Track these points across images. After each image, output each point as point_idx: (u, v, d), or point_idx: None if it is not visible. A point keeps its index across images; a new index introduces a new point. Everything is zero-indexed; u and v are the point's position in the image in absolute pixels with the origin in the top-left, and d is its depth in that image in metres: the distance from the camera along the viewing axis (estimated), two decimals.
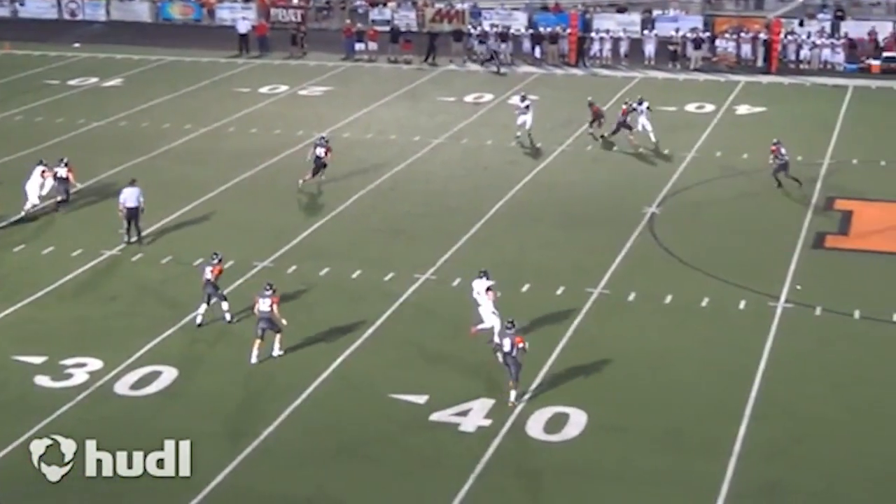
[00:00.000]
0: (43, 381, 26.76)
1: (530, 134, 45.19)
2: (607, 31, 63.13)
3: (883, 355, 27.98)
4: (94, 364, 27.42)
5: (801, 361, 27.59)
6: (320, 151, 39.83)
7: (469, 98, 53.78)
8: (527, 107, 45.19)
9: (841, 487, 22.50)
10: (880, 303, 30.54)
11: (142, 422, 24.68)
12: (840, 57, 59.22)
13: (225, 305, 29.71)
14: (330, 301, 31.17)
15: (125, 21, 74.11)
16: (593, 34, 63.13)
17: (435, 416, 25.09)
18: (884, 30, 61.72)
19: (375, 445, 24.08)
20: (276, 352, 28.02)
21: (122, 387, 26.53)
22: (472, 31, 64.16)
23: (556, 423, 24.70)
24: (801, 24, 63.32)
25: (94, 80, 58.36)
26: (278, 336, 27.96)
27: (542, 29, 63.69)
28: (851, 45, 59.99)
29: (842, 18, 64.48)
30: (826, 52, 59.51)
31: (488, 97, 53.81)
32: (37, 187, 37.19)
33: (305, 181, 39.85)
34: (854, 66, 59.00)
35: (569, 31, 62.38)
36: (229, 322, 29.62)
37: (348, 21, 66.69)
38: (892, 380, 26.71)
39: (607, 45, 61.77)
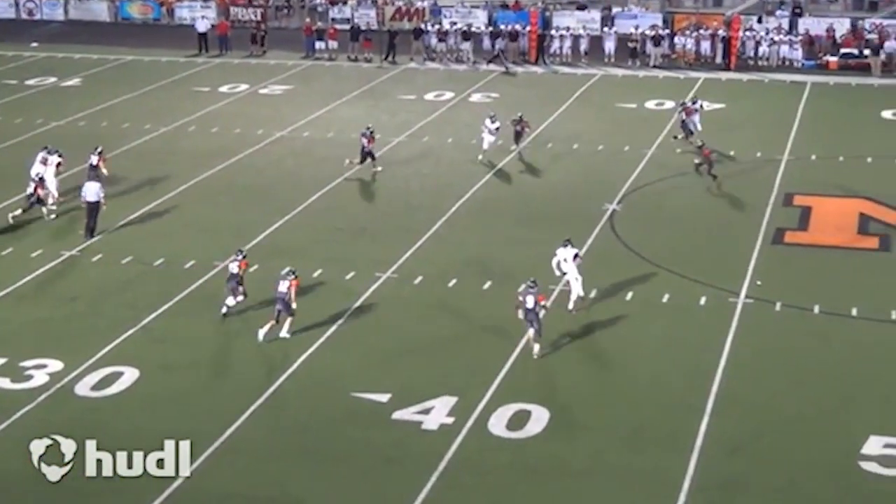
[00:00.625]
0: (2, 382, 26.58)
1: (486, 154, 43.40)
2: (567, 29, 63.23)
3: (842, 350, 28.16)
4: (55, 365, 27.27)
5: (762, 357, 27.74)
6: (363, 141, 40.73)
7: (430, 96, 53.79)
8: (497, 128, 43.05)
9: (801, 482, 22.63)
10: (839, 298, 30.73)
11: (103, 423, 24.54)
12: (798, 53, 59.55)
13: (231, 301, 29.82)
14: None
15: (83, 20, 73.66)
16: (553, 32, 63.24)
17: (397, 415, 25.09)
18: (841, 27, 62.17)
19: (338, 444, 24.04)
20: (284, 333, 28.71)
21: (83, 388, 26.39)
22: (430, 28, 64.07)
23: (518, 421, 24.74)
24: (759, 20, 63.65)
25: (52, 79, 58.03)
26: (290, 319, 28.71)
27: (502, 27, 63.74)
28: (810, 42, 60.36)
29: (800, 15, 64.84)
30: (784, 49, 59.81)
31: (449, 95, 53.83)
32: (53, 178, 37.56)
33: (352, 162, 41.12)
34: (812, 62, 59.36)
35: (529, 28, 62.47)
36: (223, 315, 29.77)
37: (308, 19, 66.55)
38: (851, 374, 26.89)
39: (567, 43, 61.86)
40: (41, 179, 36.63)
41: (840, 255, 34.06)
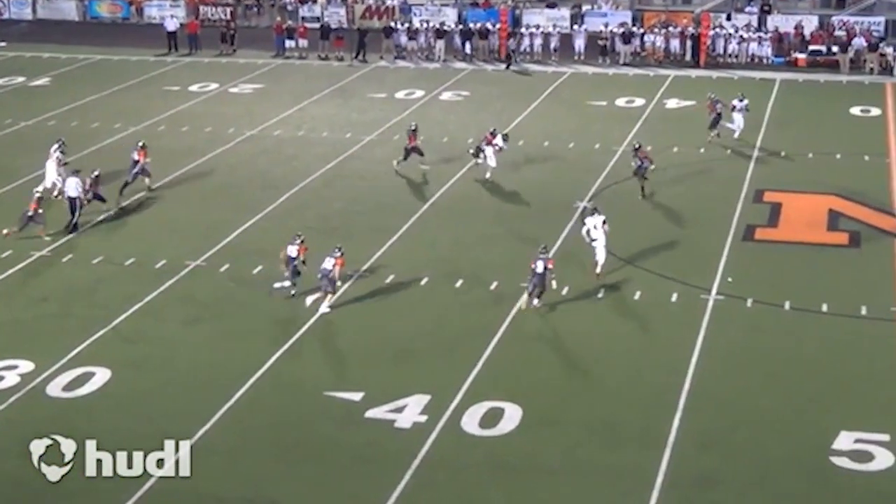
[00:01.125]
0: None
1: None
2: (537, 27, 63.32)
3: (813, 345, 28.29)
4: (26, 366, 27.14)
5: (733, 353, 27.85)
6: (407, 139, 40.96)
7: (400, 94, 53.77)
8: (500, 149, 40.79)
9: (773, 477, 22.71)
10: (810, 293, 30.88)
11: (75, 423, 24.41)
12: (767, 51, 59.79)
13: (287, 283, 30.76)
14: (263, 299, 31.04)
15: (52, 20, 73.32)
16: (523, 30, 63.31)
17: (370, 413, 25.08)
18: (810, 24, 62.45)
19: (311, 444, 24.03)
20: (324, 308, 29.85)
21: (55, 388, 26.28)
22: (400, 26, 63.96)
23: (491, 418, 24.77)
24: (728, 18, 63.88)
25: (20, 79, 57.75)
26: (330, 296, 29.95)
27: (471, 25, 63.76)
28: (779, 39, 60.61)
29: (768, 12, 65.08)
30: (753, 46, 60.04)
31: (419, 93, 53.83)
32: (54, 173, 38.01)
33: (399, 162, 41.28)
34: (781, 59, 59.61)
35: (499, 26, 62.51)
36: (292, 295, 30.75)
37: (279, 18, 66.41)
38: (822, 370, 27.01)
39: (537, 41, 61.92)
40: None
41: (810, 251, 34.21)
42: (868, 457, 23.23)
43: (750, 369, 27.06)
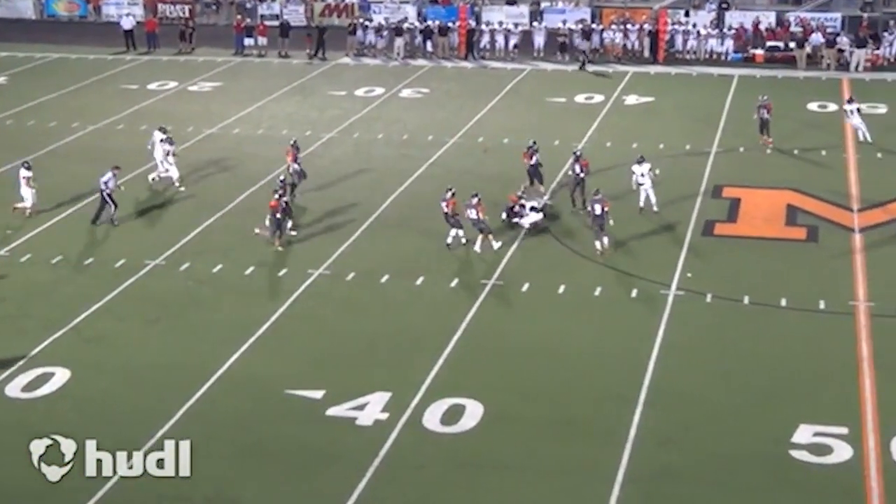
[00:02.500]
0: None
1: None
2: (500, 23, 63.35)
3: (772, 340, 28.43)
4: None
5: (693, 348, 27.97)
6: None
7: (360, 92, 53.71)
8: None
9: (734, 471, 22.83)
10: (768, 288, 31.06)
11: (35, 424, 24.29)
12: (725, 47, 60.05)
13: (459, 232, 33.97)
14: (223, 298, 31.01)
15: (9, 18, 72.64)
16: (483, 26, 63.35)
17: (332, 411, 25.07)
18: (766, 20, 62.80)
19: (273, 443, 23.98)
20: (496, 245, 33.62)
21: (14, 389, 26.15)
22: (368, 24, 63.86)
23: (452, 415, 24.80)
24: (686, 14, 64.12)
25: None
26: (490, 235, 33.72)
27: (431, 22, 63.73)
28: (738, 36, 60.91)
29: (727, 9, 65.36)
30: (712, 43, 60.31)
31: (379, 91, 53.79)
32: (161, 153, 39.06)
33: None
34: (739, 55, 59.88)
35: (458, 23, 62.54)
36: (448, 245, 33.98)
37: (238, 16, 66.15)
38: (781, 364, 27.16)
39: (499, 38, 61.95)
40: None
41: (769, 246, 34.39)
42: (827, 450, 23.39)
43: (709, 364, 27.19)
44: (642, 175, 36.51)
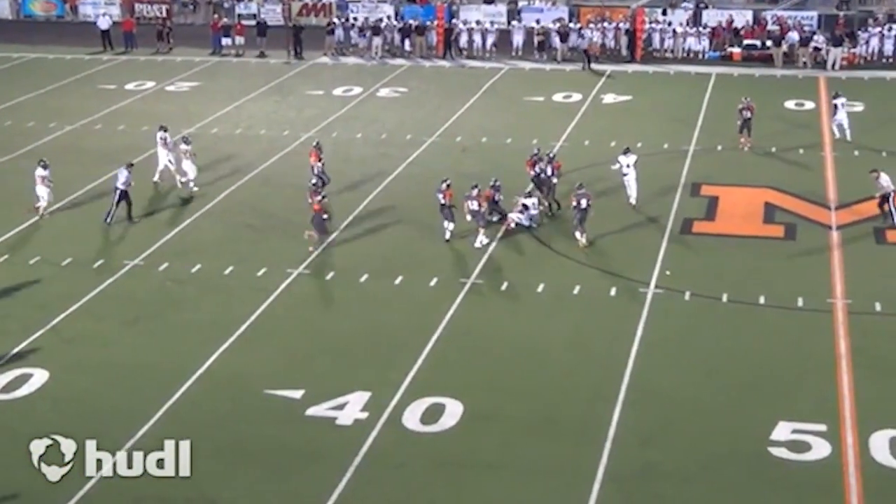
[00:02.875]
0: None
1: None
2: (478, 22, 63.38)
3: (750, 337, 28.51)
4: None
5: (672, 346, 28.03)
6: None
7: (338, 91, 53.69)
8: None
9: (714, 469, 22.89)
10: (746, 286, 31.14)
11: (14, 425, 24.28)
12: (702, 45, 60.21)
13: (451, 225, 34.56)
14: (202, 298, 30.96)
15: None
16: (461, 25, 63.37)
17: (311, 411, 25.04)
18: (742, 18, 63.04)
19: (252, 443, 23.94)
20: (483, 241, 33.97)
21: None
22: (339, 23, 63.82)
23: (432, 414, 24.80)
24: (664, 13, 64.27)
25: None
26: (482, 230, 34.03)
27: (409, 21, 63.71)
28: (715, 34, 61.10)
29: (704, 7, 65.53)
30: (690, 41, 60.46)
31: (357, 90, 53.77)
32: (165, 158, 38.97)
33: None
34: (716, 54, 60.05)
35: (436, 22, 62.55)
36: (447, 241, 34.37)
37: (215, 16, 66.04)
38: (759, 361, 27.23)
39: (475, 37, 61.97)
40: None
41: (747, 244, 34.48)
42: (806, 447, 23.46)
43: (689, 362, 27.25)
44: (627, 166, 36.90)
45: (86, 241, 34.73)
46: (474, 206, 33.97)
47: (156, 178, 39.63)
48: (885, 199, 35.39)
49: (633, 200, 36.85)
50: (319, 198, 34.13)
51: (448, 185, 34.35)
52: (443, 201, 34.35)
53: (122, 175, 36.16)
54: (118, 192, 35.97)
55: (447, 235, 34.36)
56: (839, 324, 29.11)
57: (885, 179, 35.50)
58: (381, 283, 31.62)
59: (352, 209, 37.19)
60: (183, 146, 39.25)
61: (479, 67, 59.02)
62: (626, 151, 37.52)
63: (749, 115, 43.03)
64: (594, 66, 58.09)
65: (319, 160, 38.40)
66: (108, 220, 35.85)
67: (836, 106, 44.65)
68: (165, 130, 40.35)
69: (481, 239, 33.82)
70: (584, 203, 33.45)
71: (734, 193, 38.52)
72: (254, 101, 52.23)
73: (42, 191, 36.57)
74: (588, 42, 59.29)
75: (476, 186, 34.29)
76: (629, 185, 37.03)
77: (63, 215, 36.91)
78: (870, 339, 28.31)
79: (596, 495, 22.05)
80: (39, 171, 36.58)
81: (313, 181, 36.30)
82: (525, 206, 35.56)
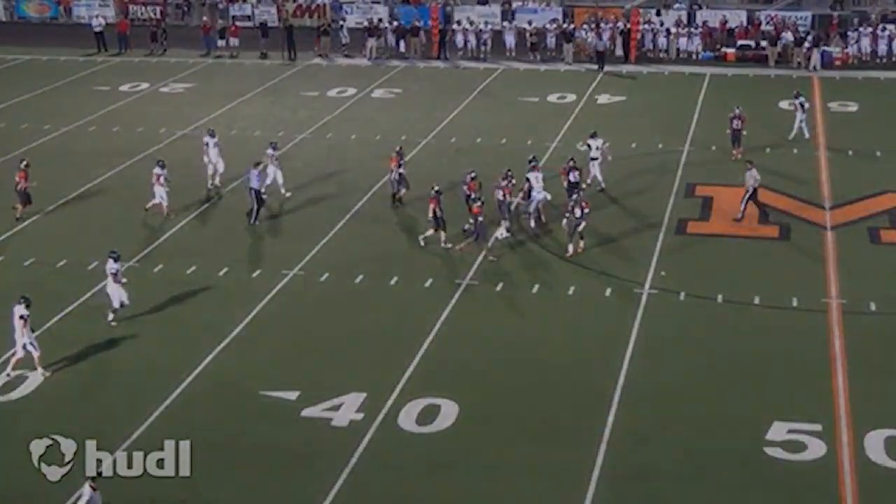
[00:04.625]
0: None
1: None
2: (471, 23, 63.37)
3: (745, 337, 28.54)
4: None
5: (667, 346, 28.05)
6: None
7: (332, 92, 53.67)
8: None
9: (709, 469, 22.93)
10: (741, 286, 31.16)
11: (10, 427, 24.29)
12: (696, 45, 60.24)
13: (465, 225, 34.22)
14: (198, 299, 30.94)
15: None
16: (455, 26, 63.38)
17: (307, 412, 25.06)
18: (737, 18, 63.09)
19: (248, 444, 23.96)
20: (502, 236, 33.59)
21: None
22: (335, 25, 63.74)
23: (427, 415, 24.83)
24: (658, 13, 64.29)
25: None
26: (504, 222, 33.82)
27: (403, 22, 63.70)
28: (709, 34, 61.13)
29: (699, 8, 65.56)
30: (683, 41, 60.48)
31: (352, 91, 53.76)
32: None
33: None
34: (710, 54, 60.09)
35: (430, 23, 62.54)
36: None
37: (206, 18, 65.85)
38: (755, 361, 27.24)
39: (469, 38, 61.96)
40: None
41: (741, 244, 34.51)
42: (801, 447, 23.51)
43: (684, 362, 27.28)
44: (596, 149, 38.14)
45: (80, 242, 34.67)
46: (500, 196, 34.66)
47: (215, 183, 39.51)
48: (756, 192, 35.79)
49: (602, 185, 38.25)
50: (435, 192, 34.17)
51: (473, 178, 35.22)
52: (468, 192, 34.77)
53: (254, 175, 36.30)
54: (252, 192, 36.19)
55: (466, 226, 34.22)
56: (834, 324, 29.15)
57: (751, 175, 35.82)
58: (376, 284, 31.63)
59: (347, 210, 37.19)
60: (269, 151, 39.20)
61: (474, 68, 59.00)
62: (594, 135, 38.67)
63: (740, 125, 42.60)
64: (589, 65, 58.09)
65: (399, 166, 37.90)
66: (253, 220, 36.15)
67: (801, 105, 44.55)
68: (213, 136, 40.27)
69: (502, 231, 33.55)
70: (578, 212, 33.15)
71: (728, 193, 38.44)
72: (248, 102, 52.20)
73: (160, 190, 36.64)
74: (604, 45, 59.09)
75: (508, 172, 35.34)
76: (595, 169, 38.12)
77: (57, 216, 36.86)
78: (864, 338, 28.35)
79: (591, 495, 22.09)
80: (157, 171, 36.69)
81: (436, 188, 34.69)
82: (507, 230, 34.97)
